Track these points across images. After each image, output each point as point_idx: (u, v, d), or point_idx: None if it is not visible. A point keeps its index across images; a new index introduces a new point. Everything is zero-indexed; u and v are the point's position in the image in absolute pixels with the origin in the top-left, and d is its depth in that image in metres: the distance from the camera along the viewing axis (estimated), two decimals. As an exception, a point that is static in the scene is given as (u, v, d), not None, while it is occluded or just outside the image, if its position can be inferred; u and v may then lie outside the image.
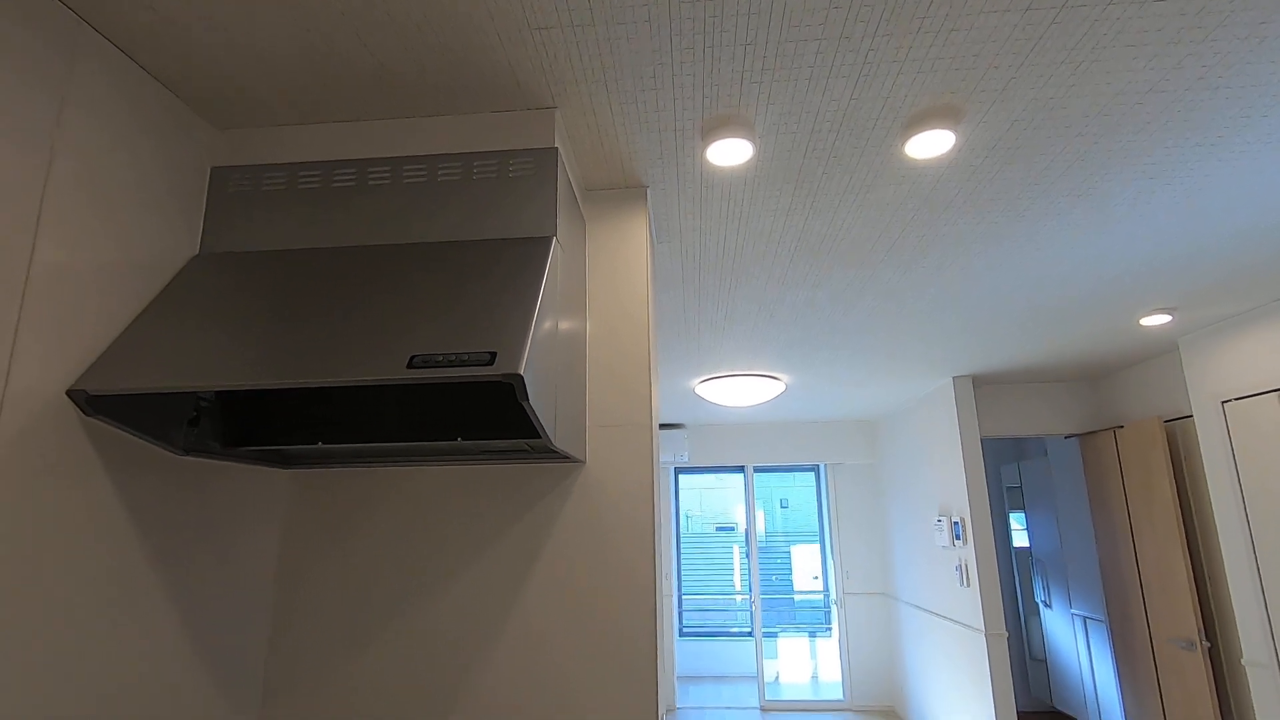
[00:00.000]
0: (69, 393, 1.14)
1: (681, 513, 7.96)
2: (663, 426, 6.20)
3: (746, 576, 8.04)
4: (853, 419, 6.19)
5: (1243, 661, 3.16)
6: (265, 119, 1.56)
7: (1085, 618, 4.80)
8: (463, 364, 1.13)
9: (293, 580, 1.71)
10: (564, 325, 1.51)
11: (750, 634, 7.57)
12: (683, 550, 8.03)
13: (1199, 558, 3.73)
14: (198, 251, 1.48)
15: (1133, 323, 3.25)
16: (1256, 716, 3.09)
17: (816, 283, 2.65)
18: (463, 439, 1.44)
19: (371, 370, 1.15)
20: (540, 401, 1.22)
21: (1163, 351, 3.88)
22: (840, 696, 6.15)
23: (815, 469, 7.62)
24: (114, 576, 1.24)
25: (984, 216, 2.09)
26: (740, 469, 7.24)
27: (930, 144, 1.66)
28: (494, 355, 1.14)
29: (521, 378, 1.10)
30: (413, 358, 1.15)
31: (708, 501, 8.30)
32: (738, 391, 4.34)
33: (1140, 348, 3.77)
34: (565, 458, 1.62)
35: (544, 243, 1.42)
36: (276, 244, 1.48)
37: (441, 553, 1.69)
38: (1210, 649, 3.62)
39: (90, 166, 1.21)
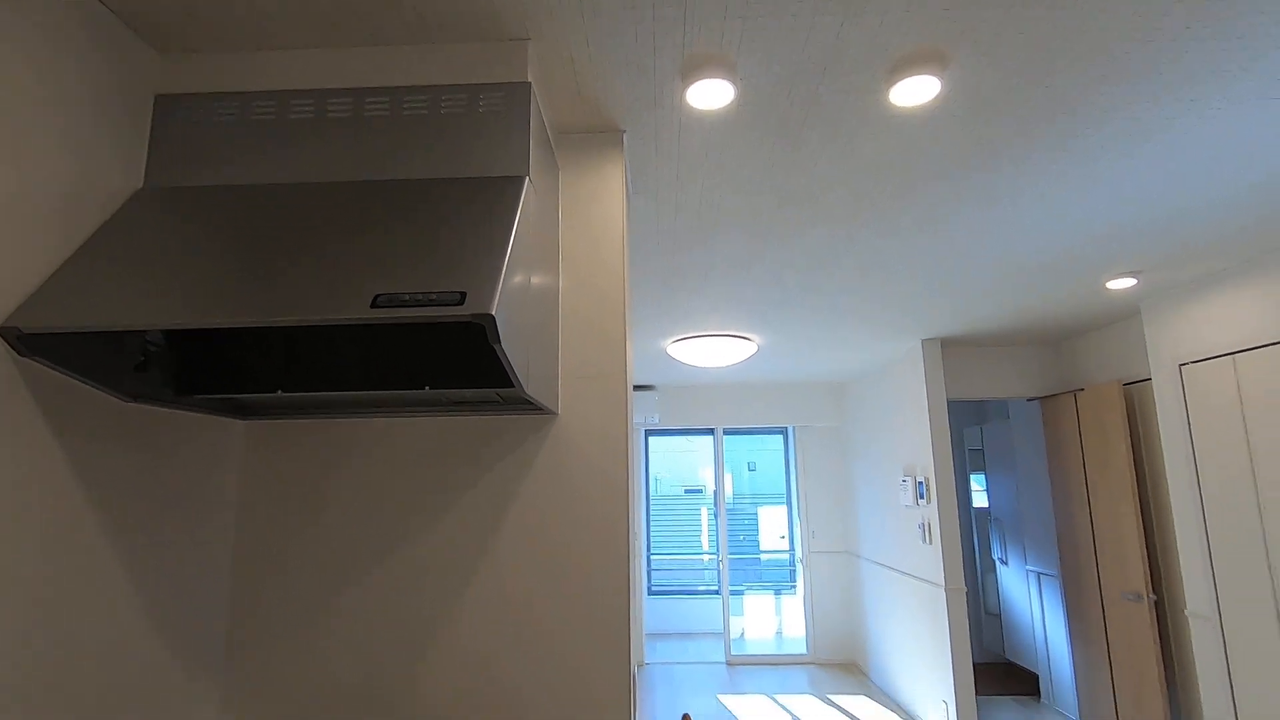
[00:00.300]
0: None
1: (651, 475, 8.01)
2: (634, 388, 6.18)
3: (714, 538, 8.16)
4: (822, 381, 6.25)
5: (1186, 613, 3.30)
6: (215, 44, 1.45)
7: (1039, 574, 4.98)
8: (431, 304, 1.07)
9: (252, 538, 1.65)
10: (537, 269, 1.45)
11: (717, 592, 7.72)
12: (652, 512, 8.11)
13: (1150, 515, 3.87)
14: (142, 185, 1.38)
15: (1099, 285, 3.30)
16: (1196, 663, 3.25)
17: (794, 240, 2.62)
18: (431, 388, 1.38)
19: (333, 309, 1.08)
20: (512, 345, 1.17)
21: (1125, 315, 3.96)
22: (804, 651, 6.33)
23: (784, 432, 7.71)
24: (59, 536, 1.17)
25: (966, 174, 2.07)
26: (710, 431, 7.29)
27: (915, 90, 1.61)
28: (464, 295, 1.08)
29: (493, 318, 1.05)
30: (377, 296, 1.09)
31: (677, 465, 8.36)
32: (710, 352, 4.32)
33: (1103, 311, 3.84)
34: (537, 409, 1.58)
35: (516, 182, 1.36)
36: (229, 179, 1.39)
37: (408, 507, 1.65)
38: (1156, 601, 3.79)
39: (4, 89, 1.10)
